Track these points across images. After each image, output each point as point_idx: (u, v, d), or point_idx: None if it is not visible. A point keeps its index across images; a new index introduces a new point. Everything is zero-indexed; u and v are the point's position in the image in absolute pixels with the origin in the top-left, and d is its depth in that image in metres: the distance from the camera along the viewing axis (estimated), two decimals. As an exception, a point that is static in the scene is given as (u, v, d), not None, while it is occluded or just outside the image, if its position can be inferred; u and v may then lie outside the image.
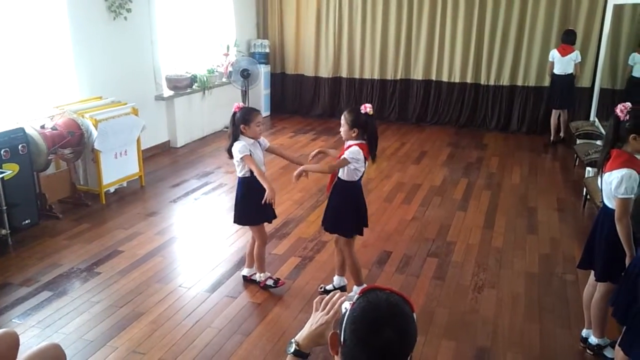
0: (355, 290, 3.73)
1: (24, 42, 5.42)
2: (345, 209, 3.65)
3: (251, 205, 3.75)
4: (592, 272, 3.22)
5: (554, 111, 7.78)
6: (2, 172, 4.42)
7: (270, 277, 3.94)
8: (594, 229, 3.15)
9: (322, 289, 3.90)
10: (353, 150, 3.45)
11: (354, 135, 3.47)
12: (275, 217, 3.97)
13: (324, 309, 1.59)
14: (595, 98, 7.62)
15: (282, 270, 4.21)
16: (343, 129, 3.51)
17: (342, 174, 3.56)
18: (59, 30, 5.75)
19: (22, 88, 5.43)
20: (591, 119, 7.54)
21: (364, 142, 3.48)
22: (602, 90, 7.50)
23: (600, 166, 3.02)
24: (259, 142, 3.75)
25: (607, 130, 3.09)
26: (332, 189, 3.64)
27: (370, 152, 3.51)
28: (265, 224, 3.95)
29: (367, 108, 3.44)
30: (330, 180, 3.64)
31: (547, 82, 8.10)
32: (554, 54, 7.49)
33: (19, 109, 5.28)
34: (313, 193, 5.76)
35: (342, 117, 3.51)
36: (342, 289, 3.89)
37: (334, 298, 1.59)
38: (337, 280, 3.93)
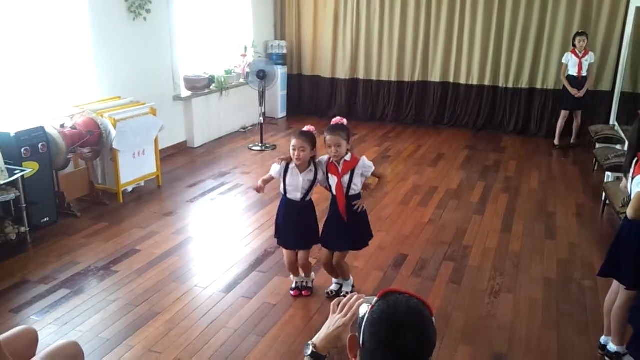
0: (346, 284, 3.87)
1: (44, 42, 5.48)
2: (367, 219, 3.76)
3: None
4: (615, 280, 3.16)
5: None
6: (23, 171, 4.48)
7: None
8: (618, 236, 3.08)
9: (331, 292, 3.89)
10: (366, 160, 3.58)
11: (348, 148, 3.51)
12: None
13: (341, 311, 1.58)
14: (616, 102, 7.53)
15: (297, 271, 4.21)
16: (342, 148, 3.47)
17: (359, 188, 3.59)
18: (79, 30, 5.80)
19: (42, 87, 5.49)
20: (611, 122, 7.45)
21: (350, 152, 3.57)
22: (622, 94, 7.41)
23: (627, 170, 2.98)
24: (315, 174, 3.63)
25: (631, 134, 3.04)
26: (350, 209, 3.60)
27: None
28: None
29: (344, 120, 3.56)
30: (341, 204, 3.59)
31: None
32: (569, 57, 7.53)
33: (39, 108, 5.35)
34: (328, 197, 5.73)
35: (336, 137, 3.45)
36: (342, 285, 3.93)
37: (352, 300, 1.58)
38: (337, 281, 3.94)
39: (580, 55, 7.38)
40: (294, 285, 3.93)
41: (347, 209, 3.59)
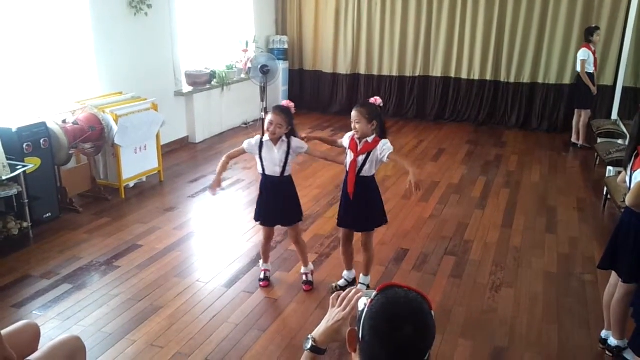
0: (364, 281, 3.82)
1: (46, 38, 5.49)
2: (380, 200, 3.72)
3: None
4: (613, 273, 3.17)
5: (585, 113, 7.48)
6: (25, 166, 4.49)
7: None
8: (618, 229, 3.08)
9: (337, 287, 3.89)
10: (387, 143, 3.47)
11: (373, 128, 3.46)
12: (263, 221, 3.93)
13: (340, 305, 1.58)
14: (618, 96, 7.50)
15: (298, 266, 4.20)
16: (360, 125, 3.44)
17: (372, 170, 3.55)
18: (80, 25, 5.81)
19: (44, 83, 5.50)
20: (613, 117, 7.43)
21: (377, 135, 3.50)
22: (624, 88, 7.39)
23: (627, 164, 2.97)
24: (288, 146, 3.64)
25: (632, 127, 3.04)
26: (360, 188, 3.56)
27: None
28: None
29: (378, 100, 3.50)
30: (351, 181, 3.57)
31: (570, 81, 8.02)
32: (588, 53, 7.19)
33: (41, 104, 5.35)
34: (330, 190, 5.76)
35: (357, 113, 3.44)
36: (354, 282, 3.92)
37: (351, 294, 1.59)
38: (347, 274, 3.95)
39: (594, 50, 7.21)
40: (262, 276, 3.98)
41: (355, 187, 3.57)
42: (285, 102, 3.68)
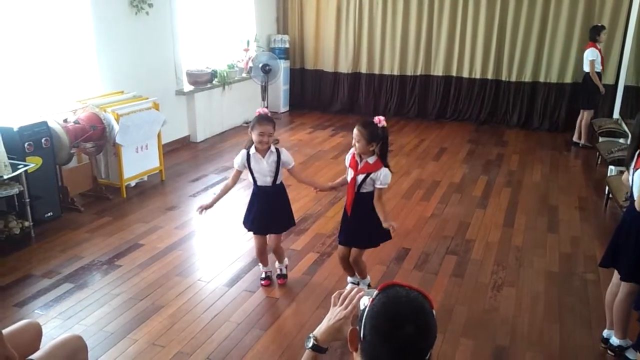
0: (363, 283, 3.82)
1: (47, 37, 5.49)
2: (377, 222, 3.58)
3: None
4: (616, 272, 3.17)
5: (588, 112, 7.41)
6: (26, 165, 4.49)
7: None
8: (619, 227, 3.08)
9: None
10: (387, 176, 3.42)
11: (371, 149, 3.40)
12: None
13: (341, 303, 1.59)
14: (619, 95, 7.49)
15: (300, 265, 4.22)
16: (359, 144, 3.38)
17: (372, 187, 3.49)
18: (82, 25, 5.81)
19: (45, 82, 5.50)
20: (615, 116, 7.42)
21: (377, 156, 3.43)
22: (626, 87, 7.38)
23: (629, 163, 2.97)
24: (277, 156, 3.66)
25: (634, 126, 3.03)
26: (361, 204, 3.51)
27: (383, 163, 3.46)
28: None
29: (382, 121, 3.38)
30: (349, 198, 3.54)
31: (571, 80, 8.02)
32: (596, 53, 7.09)
33: (42, 103, 5.35)
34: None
35: (357, 132, 3.37)
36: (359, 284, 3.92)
37: (352, 293, 1.59)
38: (352, 279, 3.92)
39: (600, 49, 7.14)
40: (263, 275, 3.98)
41: (353, 203, 3.55)
42: (263, 110, 3.68)
